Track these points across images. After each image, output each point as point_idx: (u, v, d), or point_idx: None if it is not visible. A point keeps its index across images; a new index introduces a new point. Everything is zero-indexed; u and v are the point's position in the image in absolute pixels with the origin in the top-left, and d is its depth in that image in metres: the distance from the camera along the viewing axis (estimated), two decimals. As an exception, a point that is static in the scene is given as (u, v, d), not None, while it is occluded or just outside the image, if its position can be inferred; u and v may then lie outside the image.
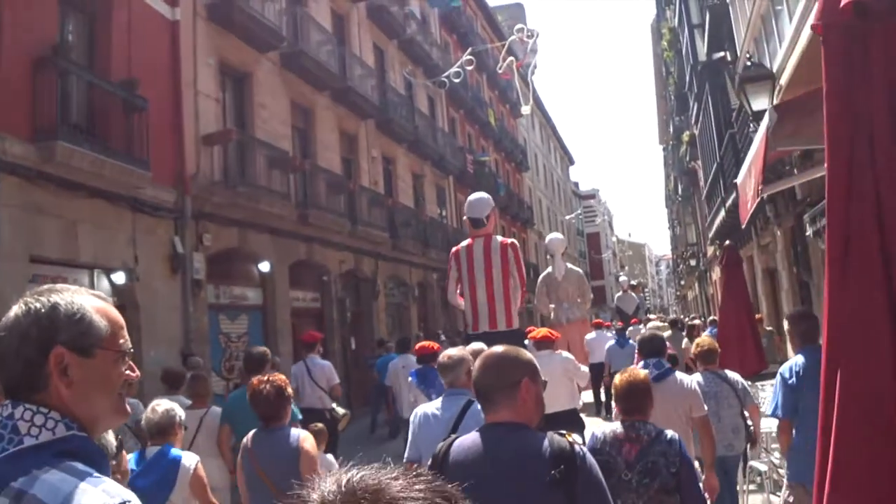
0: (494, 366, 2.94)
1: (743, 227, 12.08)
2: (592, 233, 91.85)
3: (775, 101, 9.38)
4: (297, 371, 10.92)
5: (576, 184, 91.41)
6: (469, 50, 19.79)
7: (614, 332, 18.02)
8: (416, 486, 1.13)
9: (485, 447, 2.80)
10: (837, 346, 2.68)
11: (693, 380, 6.32)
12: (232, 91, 17.93)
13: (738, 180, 7.23)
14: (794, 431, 5.57)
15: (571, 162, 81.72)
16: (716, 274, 31.68)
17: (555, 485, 2.59)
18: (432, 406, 4.97)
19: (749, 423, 7.09)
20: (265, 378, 5.02)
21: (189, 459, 4.95)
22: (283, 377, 5.12)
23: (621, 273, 68.14)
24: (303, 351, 11.58)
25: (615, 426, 4.40)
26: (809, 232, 13.17)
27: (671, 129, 48.27)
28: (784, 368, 5.64)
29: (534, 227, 51.41)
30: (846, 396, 2.57)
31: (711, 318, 20.86)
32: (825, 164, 2.74)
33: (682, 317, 33.58)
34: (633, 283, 31.63)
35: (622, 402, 4.48)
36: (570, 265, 14.62)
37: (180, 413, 5.29)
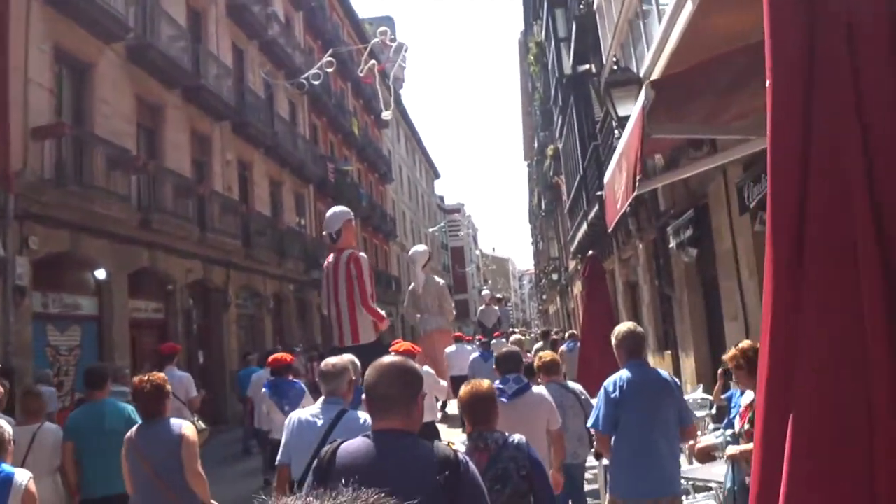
0: (397, 376, 3.04)
1: (610, 230, 11.64)
2: (457, 246, 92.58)
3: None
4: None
5: (441, 198, 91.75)
6: (330, 51, 18.95)
7: (477, 345, 17.70)
8: None
9: (373, 452, 2.85)
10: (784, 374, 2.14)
11: (548, 394, 6.38)
12: (70, 82, 16.48)
13: (606, 178, 6.73)
14: (613, 444, 5.58)
15: (437, 175, 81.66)
16: (577, 288, 31.82)
17: (439, 489, 2.67)
18: (308, 412, 4.98)
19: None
20: (145, 378, 5.39)
21: (21, 476, 4.86)
22: (161, 375, 5.55)
23: (484, 287, 68.45)
24: (162, 362, 10.74)
25: (463, 439, 4.55)
26: (672, 244, 12.92)
27: (536, 145, 48.61)
28: (608, 382, 5.63)
29: (396, 239, 50.75)
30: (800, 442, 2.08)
31: (570, 331, 20.83)
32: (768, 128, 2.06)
33: (551, 329, 33.82)
34: (497, 296, 31.74)
35: (468, 413, 4.55)
36: (434, 277, 14.45)
37: (8, 429, 5.10)
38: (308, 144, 31.64)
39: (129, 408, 6.43)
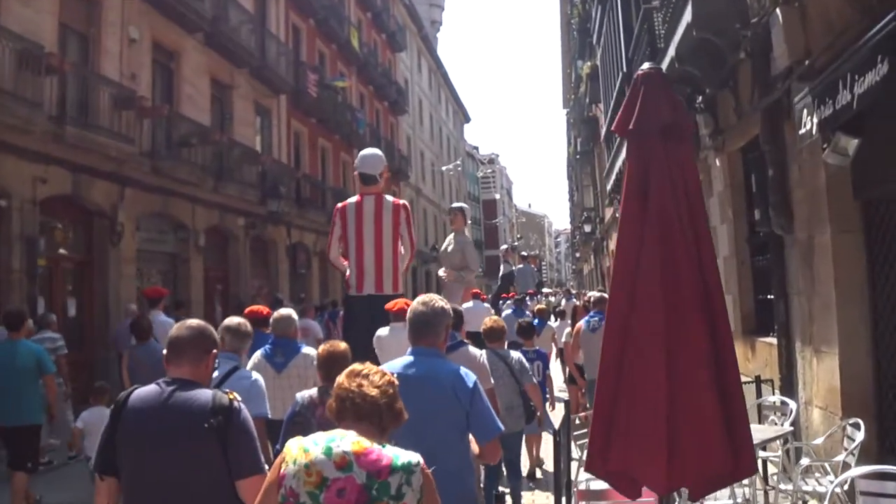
0: (199, 334, 3.58)
1: None
2: (489, 200, 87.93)
3: None
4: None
5: (475, 147, 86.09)
6: None
7: (511, 302, 16.28)
8: None
9: (159, 396, 3.33)
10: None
11: (483, 354, 6.23)
12: None
13: None
14: None
15: (467, 119, 74.42)
16: (614, 241, 25.64)
17: (211, 431, 3.20)
18: None
19: (531, 401, 7.59)
20: (140, 315, 9.87)
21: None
22: (147, 318, 9.22)
23: (504, 243, 63.18)
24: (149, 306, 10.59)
25: (313, 391, 5.06)
26: (805, 129, 6.26)
27: (573, 81, 42.40)
28: None
29: (409, 180, 44.07)
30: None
31: (590, 294, 15.64)
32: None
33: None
34: (524, 254, 29.33)
35: (322, 369, 5.07)
36: (464, 233, 12.43)
37: None
38: (281, 46, 25.13)
39: (40, 348, 8.44)
